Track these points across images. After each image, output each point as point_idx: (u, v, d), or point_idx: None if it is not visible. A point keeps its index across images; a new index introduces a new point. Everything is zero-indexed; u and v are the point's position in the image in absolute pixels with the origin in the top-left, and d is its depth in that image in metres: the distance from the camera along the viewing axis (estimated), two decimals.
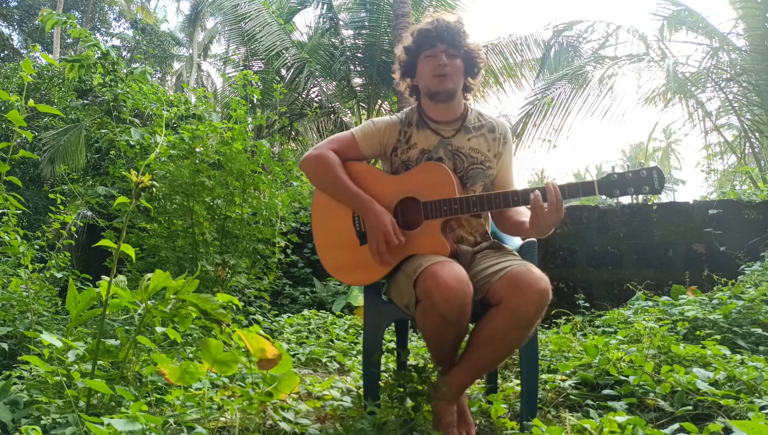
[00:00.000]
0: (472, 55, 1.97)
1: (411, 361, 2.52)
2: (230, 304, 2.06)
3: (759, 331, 2.75)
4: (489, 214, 2.05)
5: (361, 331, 3.59)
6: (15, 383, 1.65)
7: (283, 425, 1.68)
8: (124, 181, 3.83)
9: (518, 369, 2.59)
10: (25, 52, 20.67)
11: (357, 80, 10.77)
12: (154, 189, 1.56)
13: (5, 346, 2.12)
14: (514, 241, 2.06)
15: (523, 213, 1.91)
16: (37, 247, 3.16)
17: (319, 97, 10.95)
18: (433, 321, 1.63)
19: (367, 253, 1.87)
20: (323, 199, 1.99)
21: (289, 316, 4.11)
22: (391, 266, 1.83)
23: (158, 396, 1.77)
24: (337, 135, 2.03)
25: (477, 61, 1.99)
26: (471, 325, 1.74)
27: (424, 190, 1.85)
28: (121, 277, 1.61)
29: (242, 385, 1.94)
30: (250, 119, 4.65)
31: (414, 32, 1.99)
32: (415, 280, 1.67)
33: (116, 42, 23.84)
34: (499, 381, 2.45)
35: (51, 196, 3.84)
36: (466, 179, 1.93)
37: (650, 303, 3.63)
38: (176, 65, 27.79)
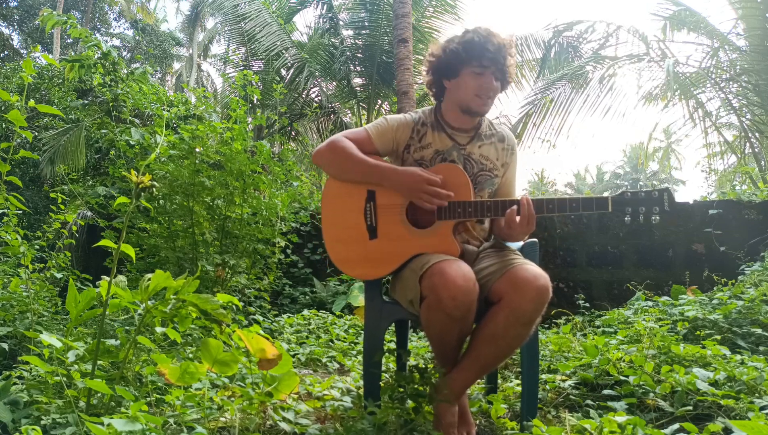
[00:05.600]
0: (508, 76, 1.93)
1: (411, 362, 2.52)
2: (230, 304, 2.05)
3: (759, 331, 2.76)
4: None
5: (361, 331, 3.59)
6: (15, 383, 1.64)
7: (283, 425, 1.68)
8: (124, 181, 3.83)
9: (518, 369, 2.60)
10: (25, 52, 20.68)
11: (357, 80, 10.78)
12: (154, 189, 1.56)
13: (5, 346, 2.12)
14: (516, 242, 2.07)
15: None
16: (37, 247, 3.16)
17: (319, 97, 10.96)
18: (438, 318, 1.64)
19: (375, 247, 1.87)
20: (334, 191, 1.97)
21: (289, 316, 4.11)
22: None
23: (158, 396, 1.76)
24: (351, 130, 2.02)
25: (508, 80, 1.96)
26: (474, 325, 1.74)
27: None
28: (121, 277, 1.60)
29: (242, 385, 1.95)
30: (250, 119, 4.65)
31: (465, 39, 1.90)
32: (421, 276, 1.67)
33: (116, 42, 23.84)
34: (499, 381, 2.45)
35: (51, 196, 3.84)
36: (474, 185, 1.93)
37: (650, 303, 3.63)
38: (176, 65, 27.78)
